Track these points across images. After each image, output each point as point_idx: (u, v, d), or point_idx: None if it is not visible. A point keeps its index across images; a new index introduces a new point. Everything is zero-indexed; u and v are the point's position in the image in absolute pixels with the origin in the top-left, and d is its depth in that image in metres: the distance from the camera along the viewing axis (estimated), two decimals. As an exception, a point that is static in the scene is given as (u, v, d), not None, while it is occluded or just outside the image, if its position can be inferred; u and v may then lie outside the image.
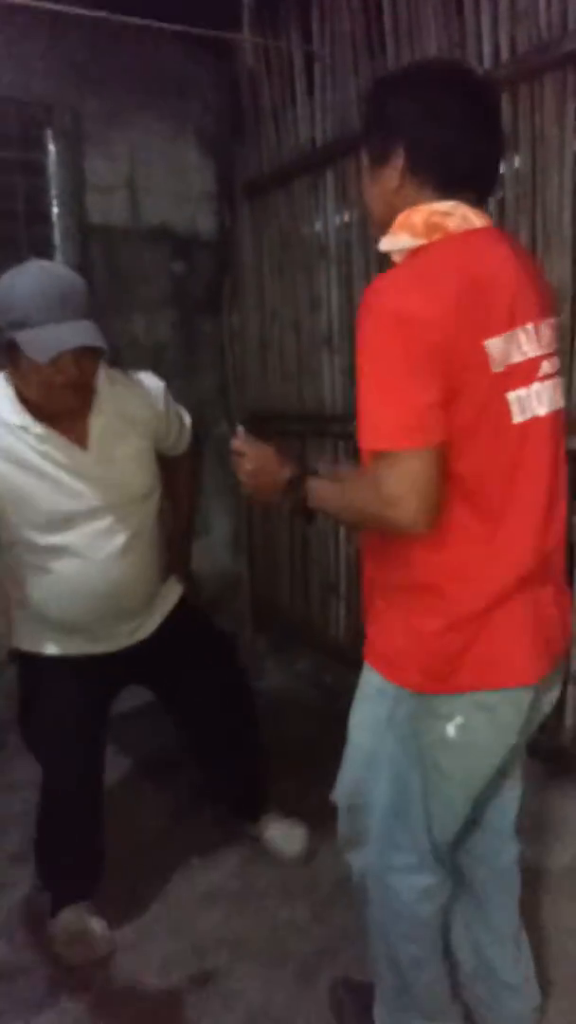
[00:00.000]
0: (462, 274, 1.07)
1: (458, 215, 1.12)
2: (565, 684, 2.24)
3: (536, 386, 1.14)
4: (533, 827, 2.04)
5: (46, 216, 3.07)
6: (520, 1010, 1.50)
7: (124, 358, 1.79)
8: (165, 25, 2.54)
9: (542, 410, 1.14)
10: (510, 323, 1.10)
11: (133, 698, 1.99)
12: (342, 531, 3.06)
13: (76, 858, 1.81)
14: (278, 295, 3.24)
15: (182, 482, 1.94)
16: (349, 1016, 1.55)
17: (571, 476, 1.33)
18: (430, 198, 1.14)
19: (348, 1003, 1.57)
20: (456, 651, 1.15)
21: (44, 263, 1.58)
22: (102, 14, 2.48)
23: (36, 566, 1.67)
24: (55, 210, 3.09)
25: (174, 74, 3.20)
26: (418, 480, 1.04)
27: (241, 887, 1.96)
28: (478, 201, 1.17)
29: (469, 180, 1.15)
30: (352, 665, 3.30)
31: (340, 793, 1.36)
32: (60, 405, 1.57)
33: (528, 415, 1.13)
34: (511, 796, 1.42)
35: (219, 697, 1.95)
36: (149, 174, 3.22)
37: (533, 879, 1.87)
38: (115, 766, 1.90)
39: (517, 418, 1.12)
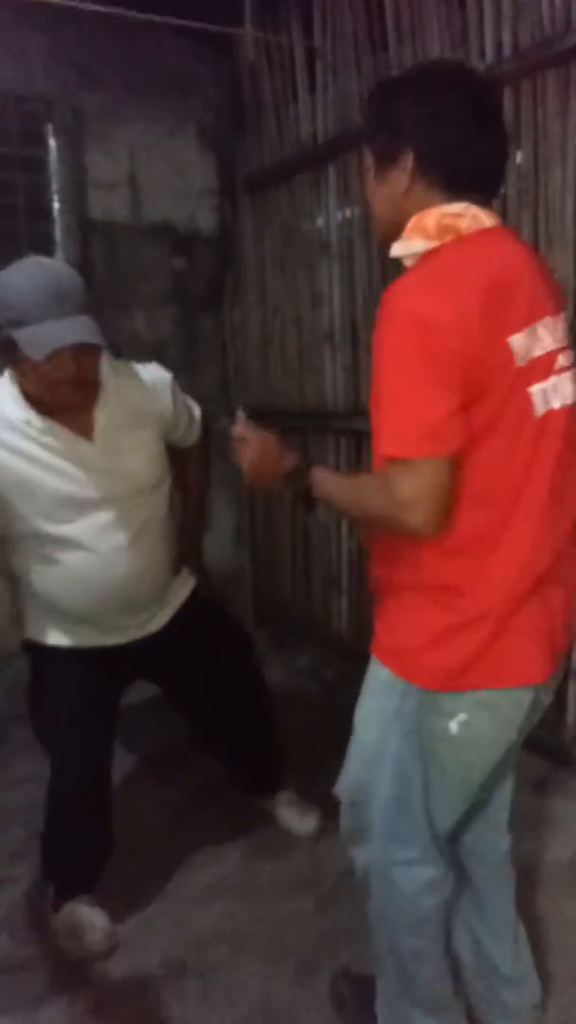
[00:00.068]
0: (482, 275, 1.08)
1: (469, 216, 1.13)
2: (565, 680, 2.24)
3: (553, 379, 1.15)
4: (533, 823, 2.05)
5: (47, 212, 3.08)
6: (521, 1004, 1.50)
7: (124, 355, 1.79)
8: (166, 20, 2.54)
9: (557, 403, 1.15)
10: (530, 318, 1.11)
11: (135, 693, 1.99)
12: (344, 526, 3.07)
13: (81, 851, 1.81)
14: (279, 291, 3.24)
15: (192, 473, 1.94)
16: (350, 1009, 1.56)
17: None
18: (439, 199, 1.14)
19: (349, 996, 1.57)
20: (468, 650, 1.15)
21: (41, 259, 1.58)
22: (103, 9, 2.47)
23: (45, 558, 1.68)
24: (56, 206, 3.09)
25: (175, 70, 3.19)
26: (433, 487, 1.06)
27: (243, 881, 1.97)
28: (485, 201, 1.17)
29: (477, 180, 1.16)
30: (354, 660, 3.30)
31: (344, 787, 1.37)
32: (62, 400, 1.57)
33: (548, 407, 1.14)
34: (506, 791, 1.43)
35: (232, 690, 1.96)
36: (150, 170, 3.22)
37: (533, 874, 1.88)
38: (117, 761, 1.90)
39: (540, 410, 1.13)
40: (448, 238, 1.12)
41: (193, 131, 3.31)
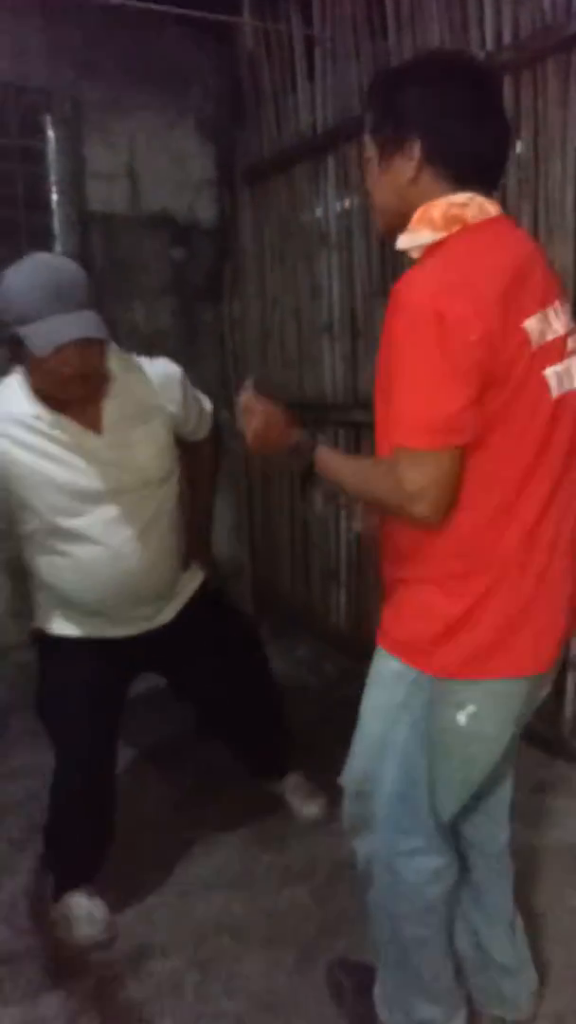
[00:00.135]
0: (496, 264, 1.08)
1: (474, 206, 1.13)
2: (564, 673, 2.25)
3: (567, 362, 1.16)
4: (530, 814, 2.05)
5: (46, 204, 3.06)
6: (518, 994, 1.51)
7: (124, 347, 1.79)
8: (165, 9, 2.52)
9: (568, 385, 1.16)
10: (543, 303, 1.13)
11: (137, 685, 1.99)
12: (343, 519, 3.06)
13: (84, 842, 1.82)
14: (279, 282, 3.23)
15: (202, 467, 1.95)
16: (348, 997, 1.56)
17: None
18: (445, 189, 1.14)
19: (348, 985, 1.58)
20: (480, 637, 1.16)
21: (44, 256, 1.59)
22: (101, -2, 2.46)
23: (54, 551, 1.70)
24: (55, 197, 3.07)
25: (174, 59, 3.17)
26: (440, 478, 1.07)
27: (241, 872, 1.98)
28: (487, 192, 1.17)
29: (482, 170, 1.16)
30: (352, 652, 3.32)
31: (348, 778, 1.36)
32: (70, 394, 1.58)
33: (562, 390, 1.15)
34: (506, 783, 1.43)
35: (240, 680, 1.97)
36: (149, 161, 3.20)
37: (531, 865, 1.88)
38: (119, 753, 1.90)
39: (555, 392, 1.14)
40: (454, 228, 1.12)
41: (192, 121, 3.29)
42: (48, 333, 1.46)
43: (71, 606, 1.78)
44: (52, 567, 1.72)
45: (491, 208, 1.15)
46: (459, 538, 1.14)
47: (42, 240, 3.04)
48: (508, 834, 1.46)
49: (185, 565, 1.88)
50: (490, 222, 1.14)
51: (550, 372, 1.13)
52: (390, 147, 1.17)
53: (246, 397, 1.33)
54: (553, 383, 1.14)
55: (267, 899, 1.88)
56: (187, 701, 2.07)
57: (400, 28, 2.47)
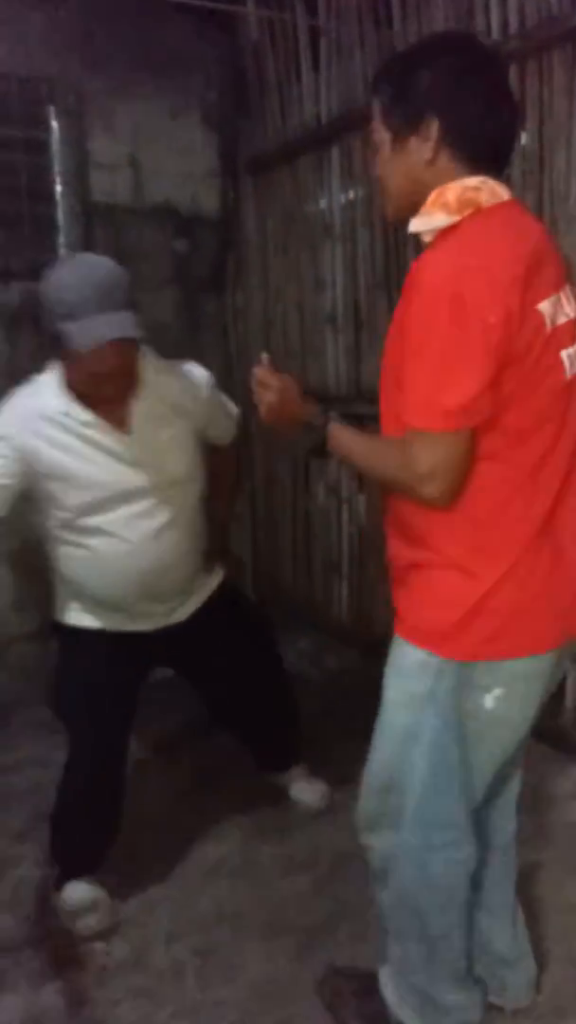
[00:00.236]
0: (509, 248, 1.09)
1: (487, 189, 1.13)
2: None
3: None
4: (533, 806, 2.06)
5: (49, 195, 3.05)
6: (517, 984, 1.52)
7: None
8: (168, -2, 2.51)
9: None
10: (555, 286, 1.14)
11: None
12: (345, 511, 3.06)
13: (90, 833, 1.83)
14: (282, 274, 3.22)
15: (225, 470, 1.99)
16: (351, 1000, 1.52)
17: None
18: (460, 172, 1.14)
19: (347, 988, 1.54)
20: (503, 617, 1.16)
21: (89, 256, 1.65)
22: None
23: (77, 545, 1.73)
24: (58, 188, 3.06)
25: (178, 49, 3.15)
26: (451, 460, 1.09)
27: (243, 862, 1.99)
28: (498, 175, 1.17)
29: (497, 150, 1.17)
30: (354, 644, 3.31)
31: (373, 773, 1.34)
32: (104, 392, 1.63)
33: (574, 371, 1.16)
34: (516, 774, 1.43)
35: (253, 682, 2.00)
36: (152, 151, 3.18)
37: (532, 857, 1.89)
38: (123, 744, 1.91)
39: (568, 373, 1.15)
40: (467, 212, 1.12)
41: (196, 112, 3.27)
42: (90, 331, 1.51)
43: (90, 600, 1.81)
44: (73, 561, 1.76)
45: (503, 192, 1.15)
46: (474, 519, 1.15)
47: (45, 231, 3.04)
48: (515, 826, 1.47)
49: (205, 565, 1.91)
50: (502, 206, 1.14)
51: (564, 354, 1.15)
52: (405, 130, 1.17)
53: (261, 371, 1.33)
54: (567, 364, 1.15)
55: (269, 889, 1.89)
56: (200, 693, 2.09)
57: (405, 17, 2.45)
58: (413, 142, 1.16)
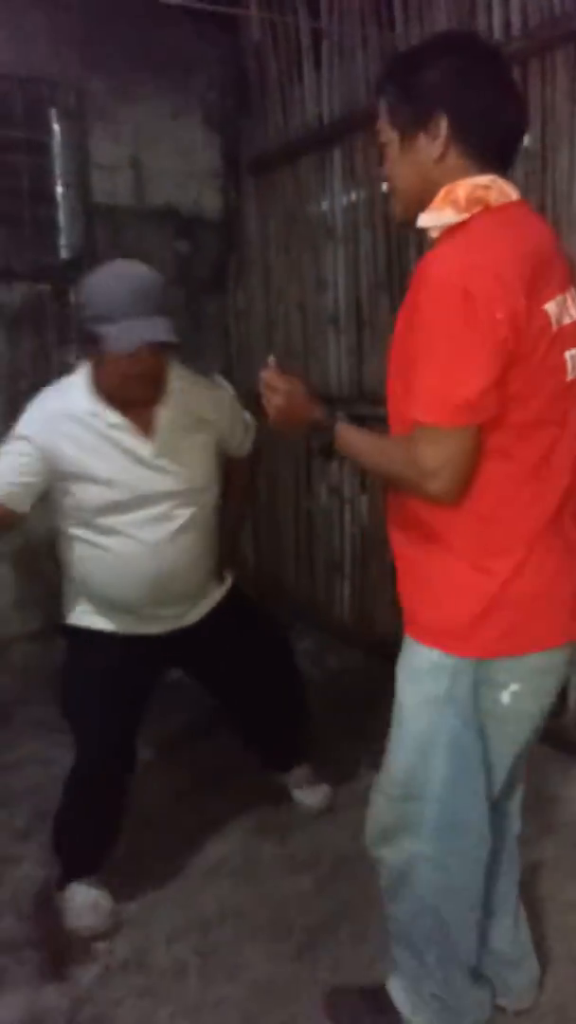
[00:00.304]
0: (517, 248, 1.09)
1: (497, 188, 1.14)
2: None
3: None
4: (535, 807, 2.05)
5: (51, 196, 3.06)
6: (520, 984, 1.52)
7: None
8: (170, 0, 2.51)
9: None
10: (560, 288, 1.14)
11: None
12: (347, 511, 3.07)
13: (94, 833, 1.83)
14: (284, 275, 3.22)
15: (239, 480, 2.03)
16: (367, 1019, 1.48)
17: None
18: (470, 168, 1.15)
19: (364, 1006, 1.51)
20: (520, 611, 1.17)
21: (128, 262, 1.70)
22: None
23: (92, 543, 1.75)
24: (59, 190, 3.07)
25: (179, 50, 3.16)
26: (457, 456, 1.09)
27: (245, 861, 1.99)
28: (505, 173, 1.18)
29: (505, 146, 1.18)
30: (356, 645, 3.31)
31: (391, 782, 1.32)
32: (134, 395, 1.68)
33: None
34: (520, 774, 1.43)
35: (264, 685, 2.01)
36: (154, 152, 3.19)
37: (534, 857, 1.89)
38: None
39: (571, 375, 1.16)
40: (476, 210, 1.13)
41: (197, 113, 3.28)
42: (127, 333, 1.56)
43: (102, 602, 1.82)
44: (88, 560, 1.77)
45: (512, 192, 1.16)
46: (481, 515, 1.15)
47: (47, 232, 3.04)
48: (519, 826, 1.47)
49: (217, 571, 1.95)
50: (510, 206, 1.15)
51: (567, 355, 1.15)
52: (413, 128, 1.17)
53: (269, 374, 1.34)
54: (571, 365, 1.16)
55: (270, 888, 1.89)
56: (211, 695, 2.10)
57: (408, 19, 2.46)
58: (422, 140, 1.17)
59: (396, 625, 1.30)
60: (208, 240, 3.37)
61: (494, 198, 1.13)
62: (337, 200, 2.90)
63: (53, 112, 3.00)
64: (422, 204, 1.17)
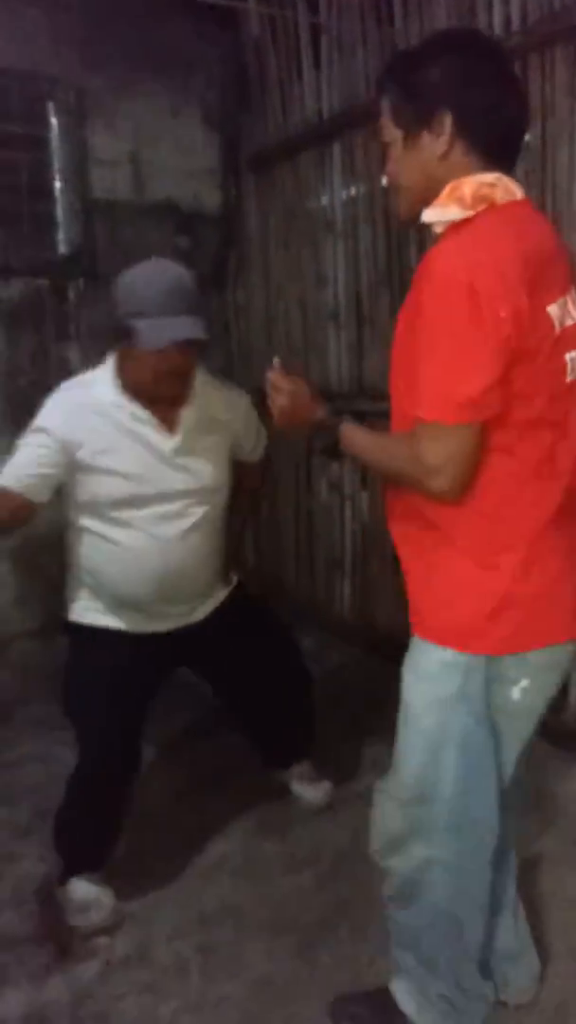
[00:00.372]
0: (520, 248, 1.09)
1: (501, 186, 1.14)
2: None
3: None
4: (535, 803, 2.06)
5: (49, 191, 3.05)
6: (519, 979, 1.52)
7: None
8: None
9: None
10: (561, 290, 1.15)
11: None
12: (348, 508, 3.07)
13: (97, 831, 1.83)
14: (284, 270, 3.22)
15: (249, 484, 2.06)
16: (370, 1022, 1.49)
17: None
18: (474, 165, 1.15)
19: (365, 1012, 1.50)
20: (528, 606, 1.17)
21: (165, 261, 1.74)
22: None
23: (102, 536, 1.77)
24: (58, 185, 3.06)
25: (179, 46, 3.15)
26: (460, 453, 1.10)
27: (245, 859, 1.99)
28: (509, 172, 1.17)
29: (509, 142, 1.18)
30: (356, 642, 3.31)
31: (401, 786, 1.30)
32: (162, 391, 1.70)
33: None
34: (522, 770, 1.43)
35: (268, 678, 2.01)
36: (153, 148, 3.18)
37: (534, 853, 1.89)
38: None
39: (571, 376, 1.16)
40: (481, 207, 1.12)
41: (197, 109, 3.27)
42: (160, 330, 1.59)
43: (109, 598, 1.83)
44: (98, 553, 1.79)
45: (517, 191, 1.16)
46: (484, 514, 1.16)
47: (45, 228, 3.04)
48: (518, 821, 1.47)
49: (224, 571, 1.96)
50: (515, 204, 1.15)
51: (567, 357, 1.15)
52: (416, 126, 1.17)
53: (273, 375, 1.35)
54: (571, 367, 1.16)
55: (270, 886, 1.90)
56: (216, 692, 2.11)
57: (407, 14, 2.45)
58: (426, 138, 1.16)
59: (397, 622, 1.30)
60: (208, 236, 3.37)
61: (499, 196, 1.13)
62: (337, 195, 2.89)
63: (51, 107, 2.99)
64: (426, 201, 1.17)
